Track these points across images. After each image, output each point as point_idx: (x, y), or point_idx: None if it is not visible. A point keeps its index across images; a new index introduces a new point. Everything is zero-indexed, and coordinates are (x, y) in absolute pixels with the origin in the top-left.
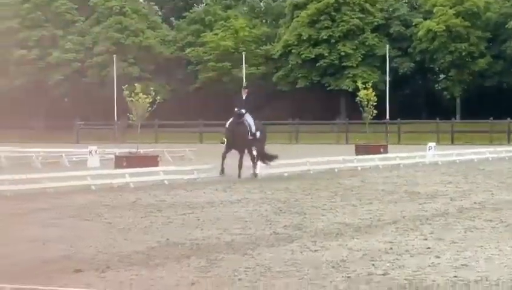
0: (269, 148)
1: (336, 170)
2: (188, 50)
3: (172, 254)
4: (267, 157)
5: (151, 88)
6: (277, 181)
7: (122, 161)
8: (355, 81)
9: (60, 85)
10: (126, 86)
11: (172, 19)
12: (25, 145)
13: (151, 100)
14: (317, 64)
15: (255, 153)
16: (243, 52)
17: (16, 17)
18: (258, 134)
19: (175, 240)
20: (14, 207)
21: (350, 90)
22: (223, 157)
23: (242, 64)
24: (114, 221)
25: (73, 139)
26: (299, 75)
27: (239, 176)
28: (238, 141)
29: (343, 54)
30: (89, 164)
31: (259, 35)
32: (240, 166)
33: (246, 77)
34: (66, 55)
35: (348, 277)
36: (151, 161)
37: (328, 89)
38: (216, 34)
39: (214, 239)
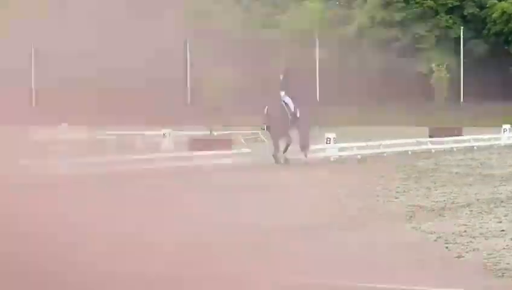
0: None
1: (410, 153)
2: (262, 32)
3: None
4: (306, 147)
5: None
6: (350, 163)
7: (196, 144)
8: (429, 63)
9: None
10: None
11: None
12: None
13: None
14: (390, 47)
15: (295, 136)
16: (316, 35)
17: None
18: (298, 112)
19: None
20: (80, 189)
21: (424, 72)
22: (276, 146)
23: (315, 46)
24: (184, 203)
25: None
26: (373, 57)
27: (284, 160)
28: (278, 124)
29: (416, 36)
30: (162, 147)
31: (332, 17)
32: (285, 150)
33: (319, 59)
34: None
35: (422, 259)
36: (225, 143)
37: (401, 71)
38: (289, 16)
39: (284, 223)
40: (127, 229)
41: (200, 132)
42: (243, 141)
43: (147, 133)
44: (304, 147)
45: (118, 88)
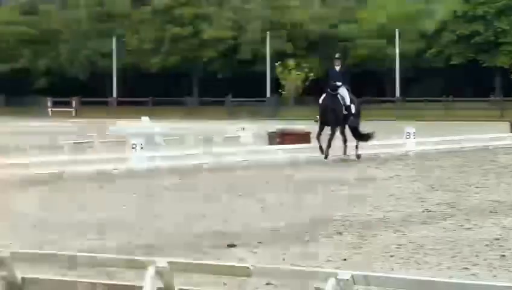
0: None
1: (490, 148)
2: (340, 27)
3: (324, 230)
4: (362, 137)
5: (304, 65)
6: (429, 158)
7: (275, 138)
8: (510, 58)
9: (213, 62)
10: (279, 62)
11: None
12: (179, 122)
13: (303, 77)
14: (472, 41)
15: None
16: (396, 29)
17: None
18: (353, 107)
19: (327, 216)
20: (169, 182)
21: (506, 67)
22: (318, 139)
23: (395, 41)
24: (266, 197)
25: (226, 115)
26: (454, 52)
27: (326, 156)
28: (331, 116)
29: (499, 30)
30: (242, 140)
31: (413, 11)
32: (329, 145)
33: (399, 54)
34: (220, 32)
35: (503, 255)
36: (304, 137)
37: (482, 66)
38: (369, 11)
39: (365, 216)
40: None
41: (279, 126)
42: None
43: (228, 127)
44: (359, 138)
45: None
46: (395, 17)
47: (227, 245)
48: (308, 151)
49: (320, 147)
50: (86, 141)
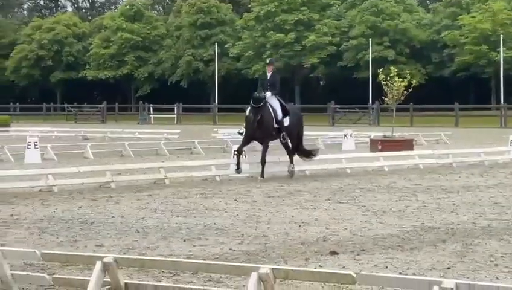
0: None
1: None
2: (444, 33)
3: (427, 238)
4: (304, 153)
5: (407, 71)
6: None
7: (377, 144)
8: None
9: (315, 68)
10: (382, 69)
11: (428, 2)
12: None
13: (406, 84)
14: None
15: (289, 143)
16: (501, 35)
17: (274, 1)
18: (286, 121)
19: (430, 224)
20: (271, 189)
21: None
22: (239, 152)
23: (500, 47)
24: (369, 204)
25: (328, 122)
26: None
27: (262, 175)
28: (259, 130)
29: None
30: (344, 147)
31: None
32: (263, 162)
33: (503, 60)
34: (322, 38)
35: None
36: (406, 144)
37: None
38: (473, 17)
39: (469, 224)
40: None
41: (381, 133)
42: (424, 142)
43: (330, 133)
44: (308, 155)
45: None
46: (499, 22)
47: (330, 252)
48: (411, 158)
49: (238, 164)
50: (188, 147)
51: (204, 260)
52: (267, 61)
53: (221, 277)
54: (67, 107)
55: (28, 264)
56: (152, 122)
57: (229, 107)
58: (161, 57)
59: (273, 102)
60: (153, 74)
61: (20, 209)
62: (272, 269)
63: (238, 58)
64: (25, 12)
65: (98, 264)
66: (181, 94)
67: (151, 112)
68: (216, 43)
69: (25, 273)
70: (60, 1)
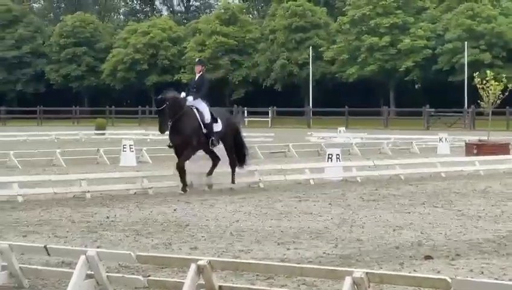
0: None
1: None
2: None
3: None
4: (239, 159)
5: (503, 75)
6: None
7: (472, 149)
8: None
9: (410, 72)
10: (477, 72)
11: None
12: (375, 132)
13: (502, 87)
14: None
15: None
16: None
17: (369, 5)
18: (217, 125)
19: None
20: (365, 192)
21: None
22: (181, 170)
23: None
24: (464, 209)
25: (423, 125)
26: None
27: (183, 188)
28: (179, 136)
29: None
30: (438, 151)
31: None
32: (180, 168)
33: None
34: (417, 42)
35: None
36: (502, 148)
37: None
38: None
39: None
40: None
41: (476, 137)
42: None
43: (424, 137)
44: (233, 166)
45: None
46: None
47: (425, 257)
48: (507, 162)
49: (184, 183)
50: (282, 150)
51: (298, 263)
52: (195, 61)
53: (315, 281)
54: None
55: (123, 266)
56: (246, 125)
57: (323, 111)
58: (256, 60)
59: (200, 105)
60: (247, 77)
61: (116, 211)
62: (366, 273)
63: (332, 62)
64: (121, 16)
65: (193, 266)
66: (275, 97)
67: (246, 116)
68: (310, 47)
69: (120, 275)
70: (156, 5)
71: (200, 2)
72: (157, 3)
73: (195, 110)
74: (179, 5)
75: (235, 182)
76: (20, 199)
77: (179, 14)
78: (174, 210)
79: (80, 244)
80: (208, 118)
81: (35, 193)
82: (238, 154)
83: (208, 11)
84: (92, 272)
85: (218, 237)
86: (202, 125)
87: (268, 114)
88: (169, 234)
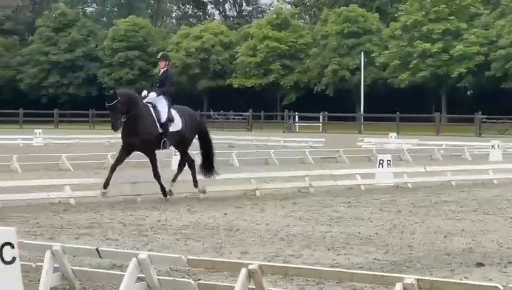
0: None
1: None
2: None
3: None
4: (206, 167)
5: None
6: None
7: None
8: None
9: (462, 78)
10: None
11: None
12: (426, 138)
13: None
14: None
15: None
16: None
17: (421, 11)
18: (175, 125)
19: None
20: (416, 199)
21: None
22: (112, 169)
23: None
24: None
25: (475, 132)
26: None
27: (163, 192)
28: (134, 139)
29: None
30: (491, 158)
31: None
32: (156, 176)
33: None
34: (470, 48)
35: None
36: None
37: None
38: None
39: None
40: None
41: None
42: None
43: (476, 144)
44: (207, 172)
45: None
46: None
47: (476, 264)
48: None
49: (106, 182)
50: (333, 156)
51: (349, 269)
52: (158, 56)
53: (365, 287)
54: (213, 115)
55: (174, 269)
56: (297, 130)
57: (374, 117)
58: (307, 65)
59: (159, 102)
60: (298, 82)
61: (167, 215)
62: (417, 279)
63: (384, 68)
64: (174, 20)
65: (243, 271)
66: (326, 103)
67: (297, 121)
68: (362, 52)
69: (171, 278)
70: (208, 10)
71: (252, 7)
72: (209, 7)
73: (151, 108)
74: (231, 9)
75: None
76: (72, 201)
77: (231, 19)
78: (225, 214)
79: (131, 247)
80: (164, 116)
81: (87, 196)
82: (205, 161)
83: (260, 16)
84: (143, 275)
85: (268, 241)
86: (158, 125)
87: (319, 119)
88: (219, 238)
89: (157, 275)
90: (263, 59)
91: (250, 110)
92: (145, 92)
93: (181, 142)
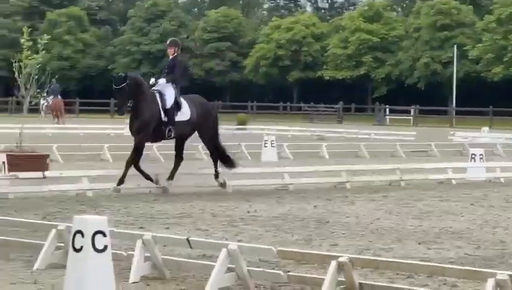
0: None
1: None
2: None
3: None
4: (225, 160)
5: None
6: None
7: None
8: None
9: None
10: None
11: None
12: None
13: None
14: None
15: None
16: None
17: None
18: (183, 114)
19: None
20: (509, 194)
21: None
22: (128, 163)
23: None
24: None
25: None
26: None
27: (120, 181)
28: (136, 121)
29: None
30: None
31: None
32: (128, 163)
33: None
34: None
35: None
36: None
37: None
38: None
39: None
40: None
41: None
42: None
43: None
44: (228, 163)
45: None
46: None
47: None
48: None
49: (142, 172)
50: (424, 149)
51: (440, 263)
52: (167, 42)
53: (456, 282)
54: (304, 107)
55: (263, 260)
56: (388, 123)
57: (467, 110)
58: (399, 58)
59: (166, 89)
60: (389, 75)
61: (257, 206)
62: (510, 275)
63: (477, 61)
64: (265, 12)
65: (333, 263)
66: (417, 96)
67: (387, 113)
68: (455, 45)
69: (260, 269)
70: (300, 1)
71: None
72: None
73: (157, 94)
74: (323, 1)
75: (223, 180)
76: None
77: (322, 11)
78: (315, 206)
79: (221, 238)
80: (170, 104)
81: (178, 186)
82: (217, 152)
83: (351, 8)
84: (233, 266)
85: (358, 234)
86: (162, 112)
87: (410, 112)
88: (309, 230)
89: (247, 266)
90: (354, 51)
91: (341, 102)
92: (152, 80)
93: (191, 132)
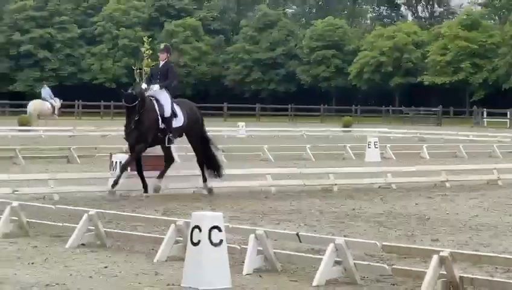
0: None
1: None
2: None
3: None
4: (211, 165)
5: None
6: None
7: None
8: None
9: None
10: None
11: None
12: None
13: None
14: None
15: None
16: None
17: None
18: (178, 120)
19: None
20: None
21: None
22: (123, 168)
23: None
24: None
25: None
26: None
27: (114, 183)
28: (136, 132)
29: None
30: None
31: None
32: (123, 168)
33: None
34: None
35: None
36: None
37: None
38: None
39: None
40: None
41: None
42: None
43: None
44: (215, 169)
45: None
46: None
47: None
48: None
49: (115, 181)
50: None
51: None
52: (161, 47)
53: None
54: (405, 110)
55: (368, 255)
56: (485, 125)
57: None
58: (496, 64)
59: (162, 96)
60: (487, 80)
61: (361, 203)
62: None
63: None
64: (368, 21)
65: (435, 257)
66: None
67: (485, 116)
68: None
69: (366, 263)
70: (401, 11)
71: (443, 8)
72: (402, 9)
73: (154, 102)
74: (423, 11)
75: (209, 185)
76: (273, 189)
77: (423, 20)
78: (416, 204)
79: (328, 233)
80: (168, 111)
81: (287, 185)
82: (204, 157)
83: (450, 16)
84: (340, 259)
85: (458, 230)
86: (160, 120)
87: (507, 115)
88: (411, 226)
89: (353, 260)
90: (453, 58)
91: (440, 106)
92: (144, 85)
93: (180, 136)
